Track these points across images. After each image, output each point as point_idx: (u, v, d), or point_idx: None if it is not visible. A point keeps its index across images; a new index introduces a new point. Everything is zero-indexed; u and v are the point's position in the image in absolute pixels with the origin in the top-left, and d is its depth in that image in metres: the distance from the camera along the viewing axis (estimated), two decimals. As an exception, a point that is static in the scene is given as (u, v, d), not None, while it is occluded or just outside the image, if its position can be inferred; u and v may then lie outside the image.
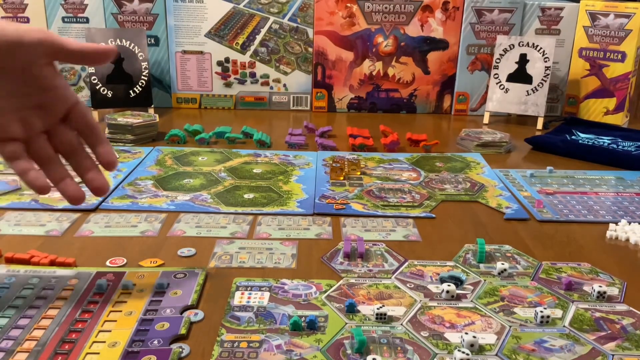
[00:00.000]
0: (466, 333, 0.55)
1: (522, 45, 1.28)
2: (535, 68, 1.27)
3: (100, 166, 0.59)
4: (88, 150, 0.59)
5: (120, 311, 0.59)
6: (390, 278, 0.67)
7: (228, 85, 1.40)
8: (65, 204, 0.84)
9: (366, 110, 1.42)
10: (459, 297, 0.64)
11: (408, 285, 0.66)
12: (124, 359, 0.52)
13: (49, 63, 0.54)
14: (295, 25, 1.37)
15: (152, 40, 1.35)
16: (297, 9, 1.36)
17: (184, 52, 1.37)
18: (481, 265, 0.71)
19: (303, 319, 0.58)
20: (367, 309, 0.61)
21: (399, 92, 1.41)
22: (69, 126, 0.57)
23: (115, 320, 0.58)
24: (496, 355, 0.54)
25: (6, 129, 0.53)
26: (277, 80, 1.40)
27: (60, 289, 0.63)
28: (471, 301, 0.63)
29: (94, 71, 1.23)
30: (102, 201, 0.86)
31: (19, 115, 0.54)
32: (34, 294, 0.62)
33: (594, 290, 0.64)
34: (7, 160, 0.54)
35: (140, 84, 1.27)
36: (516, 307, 0.62)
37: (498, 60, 1.30)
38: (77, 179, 0.58)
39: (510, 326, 0.59)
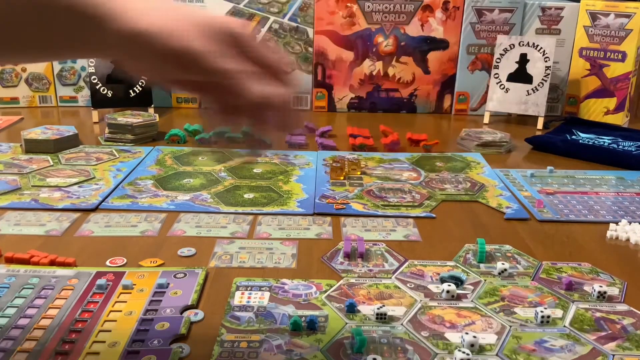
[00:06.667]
0: (466, 333, 0.55)
1: (523, 45, 1.28)
2: (535, 68, 1.27)
3: None
4: None
5: (120, 311, 0.59)
6: (391, 278, 0.67)
7: (228, 85, 1.40)
8: (65, 203, 0.84)
9: (366, 110, 1.42)
10: (459, 297, 0.64)
11: (408, 285, 0.66)
12: (124, 359, 0.52)
13: None
14: (295, 25, 1.36)
15: (152, 40, 1.35)
16: (297, 9, 1.36)
17: (184, 51, 1.37)
18: (481, 265, 0.71)
19: (303, 319, 0.58)
20: (367, 309, 0.61)
21: (399, 91, 1.40)
22: None
23: (115, 320, 0.58)
24: (496, 355, 0.54)
25: None
26: (277, 80, 1.40)
27: (60, 288, 0.63)
28: (471, 301, 0.63)
29: (94, 71, 1.23)
30: (102, 201, 0.86)
31: None
32: (34, 294, 0.62)
33: (595, 290, 0.64)
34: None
35: (140, 83, 1.27)
36: (516, 307, 0.62)
37: (498, 60, 1.30)
38: None
39: (510, 326, 0.59)
